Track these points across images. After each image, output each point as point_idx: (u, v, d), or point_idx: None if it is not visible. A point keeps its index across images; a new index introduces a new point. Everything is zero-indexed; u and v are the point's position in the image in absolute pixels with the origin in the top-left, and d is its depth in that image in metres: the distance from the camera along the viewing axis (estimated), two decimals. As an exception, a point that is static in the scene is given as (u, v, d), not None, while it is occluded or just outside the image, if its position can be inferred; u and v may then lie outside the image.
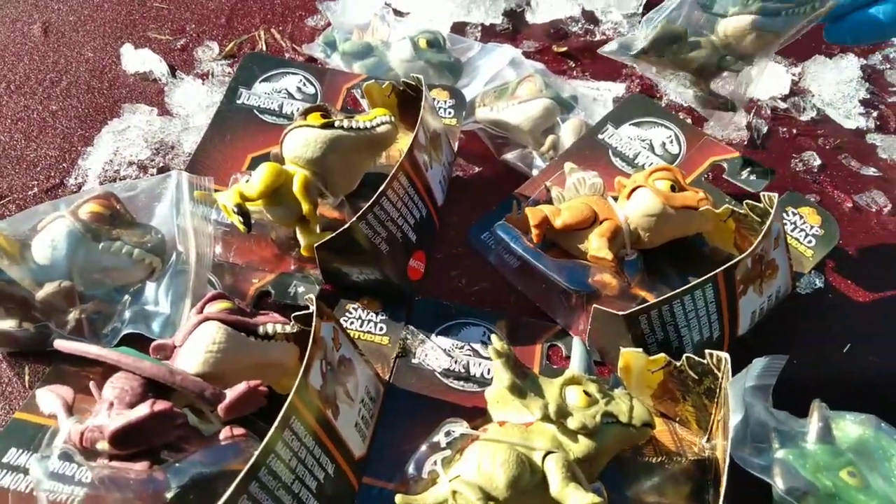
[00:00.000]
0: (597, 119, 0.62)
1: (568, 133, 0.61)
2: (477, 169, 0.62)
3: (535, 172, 0.59)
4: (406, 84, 0.54)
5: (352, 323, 0.49)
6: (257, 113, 0.60)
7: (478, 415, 0.45)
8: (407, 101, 0.55)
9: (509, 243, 0.51)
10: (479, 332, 0.50)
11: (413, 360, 0.48)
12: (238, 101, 0.60)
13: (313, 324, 0.38)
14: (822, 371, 0.51)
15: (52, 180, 0.58)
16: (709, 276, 0.42)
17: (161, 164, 0.59)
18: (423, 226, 0.51)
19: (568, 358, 0.49)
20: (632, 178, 0.50)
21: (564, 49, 0.76)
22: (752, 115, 0.70)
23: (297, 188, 0.48)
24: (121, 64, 0.68)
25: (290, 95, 0.61)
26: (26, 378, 0.45)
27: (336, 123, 0.50)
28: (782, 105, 0.72)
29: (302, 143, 0.49)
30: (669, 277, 0.50)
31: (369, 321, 0.49)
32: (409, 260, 0.50)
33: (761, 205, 0.46)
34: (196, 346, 0.39)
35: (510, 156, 0.62)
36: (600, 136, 0.59)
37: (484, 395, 0.42)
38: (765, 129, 0.69)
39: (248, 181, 0.50)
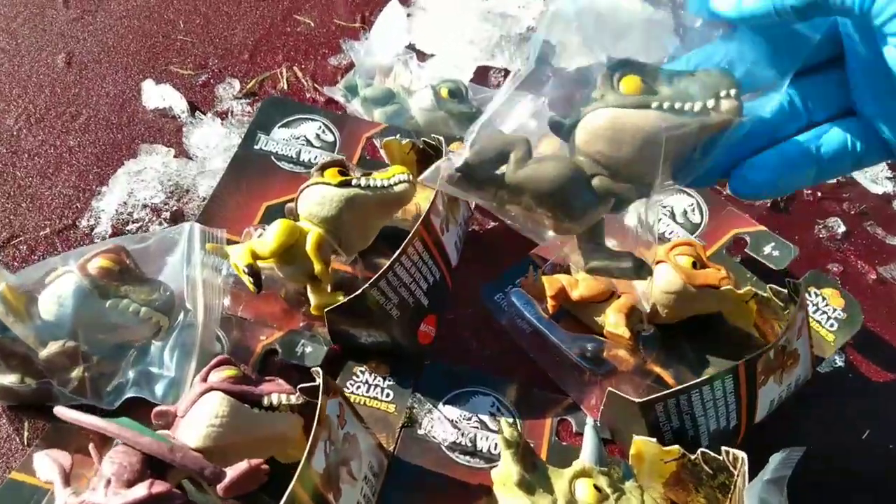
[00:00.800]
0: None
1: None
2: (492, 224, 0.61)
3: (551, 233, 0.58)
4: (426, 143, 0.54)
5: (358, 387, 0.48)
6: (274, 160, 0.59)
7: (482, 493, 0.44)
8: (426, 159, 0.55)
9: (522, 311, 0.49)
10: (487, 403, 0.48)
11: (419, 431, 0.46)
12: (255, 147, 0.60)
13: (319, 402, 0.37)
14: (838, 462, 0.49)
15: (65, 220, 0.57)
16: (729, 367, 0.41)
17: (175, 208, 0.58)
18: (436, 289, 0.50)
19: (578, 434, 0.48)
20: (654, 249, 0.49)
21: (587, 99, 0.75)
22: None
23: (310, 247, 0.48)
24: (141, 99, 0.68)
25: (309, 143, 0.61)
26: (25, 434, 0.44)
27: (353, 182, 0.49)
28: (807, 166, 0.70)
29: (318, 200, 0.49)
30: (686, 354, 0.49)
31: (376, 386, 0.48)
32: (419, 325, 0.49)
33: (785, 290, 0.45)
34: (199, 419, 0.38)
35: (527, 211, 0.61)
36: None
37: (490, 473, 0.41)
38: (788, 191, 0.68)
39: (260, 236, 0.49)
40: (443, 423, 0.47)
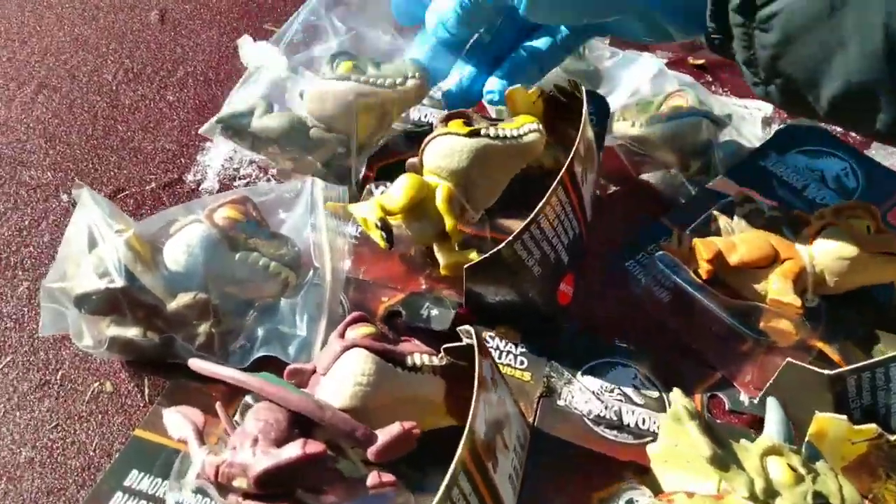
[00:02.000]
0: (748, 139, 0.57)
1: (723, 156, 0.55)
2: (613, 188, 0.57)
3: (681, 198, 0.53)
4: (558, 88, 0.50)
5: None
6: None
7: (634, 471, 0.40)
8: (555, 107, 0.51)
9: (671, 275, 0.45)
10: (629, 375, 0.44)
11: (559, 402, 0.43)
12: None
13: (476, 362, 0.33)
14: None
15: (171, 175, 0.55)
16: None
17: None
18: (575, 245, 0.46)
19: (733, 412, 0.43)
20: (818, 213, 0.44)
21: (701, 62, 0.70)
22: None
23: (440, 202, 0.44)
24: (238, 56, 0.65)
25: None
26: (146, 391, 0.42)
27: (482, 131, 0.46)
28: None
29: (446, 152, 0.45)
30: (853, 329, 0.44)
31: (508, 353, 0.45)
32: (559, 284, 0.45)
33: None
34: (343, 377, 0.35)
35: (650, 176, 0.57)
36: (762, 163, 0.53)
37: (644, 449, 0.37)
38: None
39: (383, 192, 0.46)
40: (584, 394, 0.43)
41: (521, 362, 0.44)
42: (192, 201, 0.43)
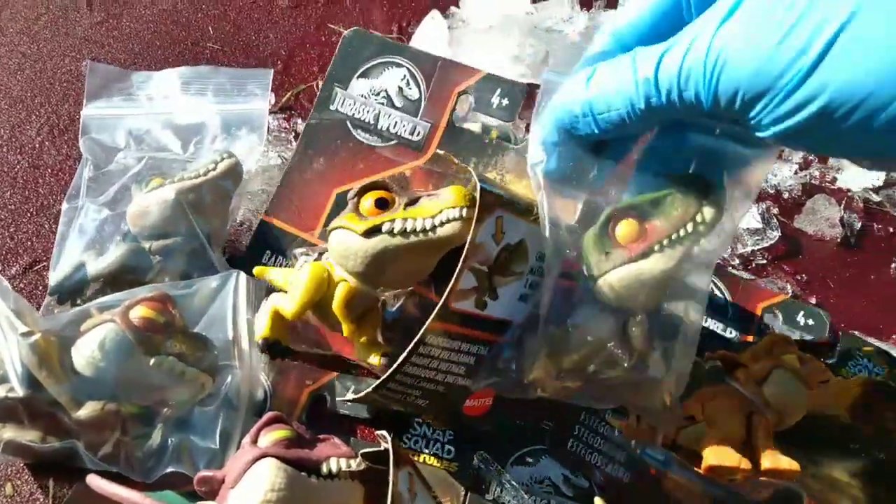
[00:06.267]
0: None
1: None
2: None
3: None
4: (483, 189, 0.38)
5: (416, 442, 0.44)
6: (350, 126, 0.50)
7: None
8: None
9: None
10: (557, 465, 0.44)
11: (487, 497, 0.42)
12: (332, 108, 0.51)
13: (390, 477, 0.32)
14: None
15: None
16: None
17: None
18: (483, 363, 0.39)
19: None
20: (750, 355, 0.43)
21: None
22: (842, 207, 0.64)
23: (336, 305, 0.39)
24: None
25: (390, 100, 0.50)
26: (51, 494, 0.39)
27: (384, 227, 0.38)
28: (875, 198, 0.66)
29: (342, 251, 0.40)
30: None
31: (436, 441, 0.44)
32: (462, 403, 0.41)
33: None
34: (252, 492, 0.33)
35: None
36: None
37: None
38: (858, 226, 0.64)
39: (305, 263, 0.42)
40: (514, 490, 0.42)
41: (449, 451, 0.43)
42: (107, 297, 0.40)
